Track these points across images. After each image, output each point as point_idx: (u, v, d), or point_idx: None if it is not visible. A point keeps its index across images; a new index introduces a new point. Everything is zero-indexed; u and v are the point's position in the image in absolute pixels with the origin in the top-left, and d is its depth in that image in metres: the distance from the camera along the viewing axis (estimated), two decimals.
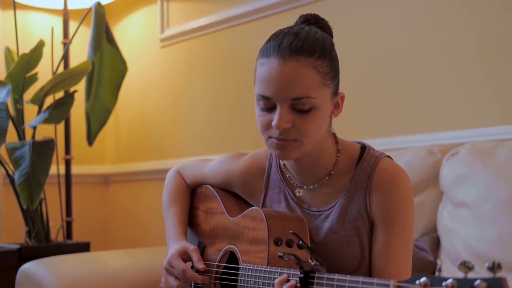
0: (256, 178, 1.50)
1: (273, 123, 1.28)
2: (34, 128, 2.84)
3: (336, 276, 1.13)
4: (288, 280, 1.21)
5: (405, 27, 2.37)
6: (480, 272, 1.77)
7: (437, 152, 2.06)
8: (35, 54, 2.78)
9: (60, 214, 3.07)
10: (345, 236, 1.36)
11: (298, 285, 1.18)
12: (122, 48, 3.22)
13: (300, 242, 1.21)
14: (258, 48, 1.39)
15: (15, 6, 3.00)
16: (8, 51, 2.96)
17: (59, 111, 2.87)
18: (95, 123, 3.02)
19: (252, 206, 1.48)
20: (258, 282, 1.30)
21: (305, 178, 1.40)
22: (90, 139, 3.04)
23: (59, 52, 3.18)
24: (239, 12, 2.95)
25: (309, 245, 1.33)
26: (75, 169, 3.30)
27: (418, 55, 2.33)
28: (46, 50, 2.86)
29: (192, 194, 1.65)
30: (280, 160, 1.46)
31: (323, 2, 2.60)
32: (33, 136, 2.84)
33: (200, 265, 1.43)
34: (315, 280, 1.16)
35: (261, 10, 2.85)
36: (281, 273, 1.25)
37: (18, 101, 2.85)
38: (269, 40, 1.32)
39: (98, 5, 2.93)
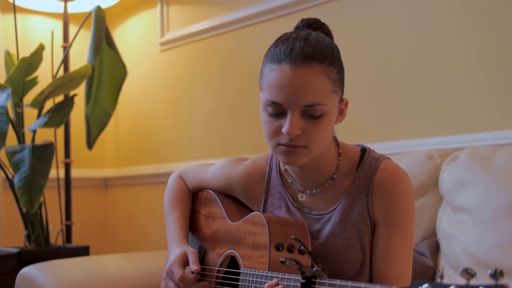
0: (256, 183, 1.50)
1: (284, 129, 1.27)
2: (34, 131, 2.84)
3: (338, 282, 1.13)
4: (278, 284, 1.22)
5: (405, 31, 2.38)
6: (481, 278, 1.77)
7: (437, 156, 2.06)
8: (35, 57, 2.78)
9: (60, 218, 3.07)
10: (346, 239, 1.36)
11: None
12: (122, 52, 3.22)
13: (302, 247, 1.21)
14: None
15: (15, 9, 3.01)
16: (8, 54, 2.96)
17: (59, 115, 2.87)
18: (95, 127, 3.02)
19: (253, 211, 1.48)
20: (259, 287, 1.30)
21: (308, 183, 1.41)
22: (90, 143, 3.04)
23: (59, 55, 3.18)
24: (239, 16, 2.95)
25: (310, 250, 1.34)
26: (74, 173, 3.30)
27: (418, 60, 2.33)
28: (46, 54, 2.87)
29: (193, 198, 1.65)
30: (281, 165, 1.46)
31: (323, 6, 2.60)
32: (33, 140, 2.84)
33: (194, 267, 1.43)
34: (317, 286, 1.16)
35: (261, 14, 2.85)
36: (282, 278, 1.25)
37: (18, 104, 2.85)
38: (276, 45, 1.30)
39: (98, 9, 2.93)
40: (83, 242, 3.32)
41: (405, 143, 2.32)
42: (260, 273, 1.31)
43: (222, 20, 3.03)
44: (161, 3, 3.36)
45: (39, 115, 2.87)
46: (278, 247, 1.32)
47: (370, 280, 1.37)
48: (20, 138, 2.86)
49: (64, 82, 2.82)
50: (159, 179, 3.27)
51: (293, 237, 1.25)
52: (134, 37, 3.54)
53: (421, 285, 0.95)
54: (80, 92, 3.02)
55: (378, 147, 2.20)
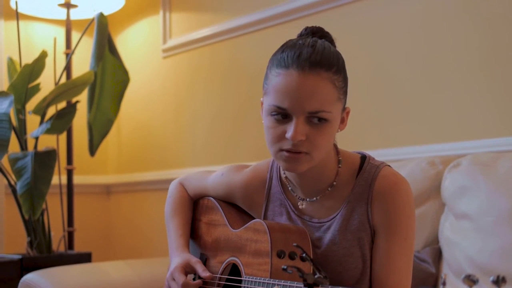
0: (257, 191, 1.50)
1: (288, 135, 1.27)
2: (37, 138, 2.84)
3: None
4: None
5: (405, 38, 2.38)
6: (483, 285, 1.77)
7: (439, 163, 2.06)
8: (38, 64, 2.79)
9: (62, 224, 3.07)
10: (347, 247, 1.36)
11: None
12: (125, 58, 3.23)
13: (304, 254, 1.21)
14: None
15: (18, 16, 3.02)
16: (11, 61, 2.97)
17: (61, 122, 2.88)
18: (97, 134, 3.03)
19: (254, 218, 1.48)
20: None
21: (308, 190, 1.41)
22: (92, 150, 3.04)
23: (61, 62, 3.19)
24: (241, 23, 2.96)
25: (312, 257, 1.34)
26: (77, 179, 3.31)
27: (419, 66, 2.33)
28: (48, 61, 2.87)
29: (194, 206, 1.65)
30: (282, 173, 1.46)
31: (325, 13, 2.61)
32: (35, 147, 2.84)
33: (206, 274, 1.43)
34: None
35: (263, 21, 2.86)
36: (284, 286, 1.25)
37: (20, 111, 2.86)
38: (283, 51, 1.31)
39: (101, 15, 2.94)
40: (85, 248, 3.32)
41: (407, 150, 2.32)
42: (262, 281, 1.31)
43: (224, 27, 3.04)
44: (164, 10, 3.36)
45: (41, 122, 2.88)
46: (280, 255, 1.32)
47: (371, 287, 1.37)
48: (23, 145, 2.86)
49: (66, 89, 2.82)
50: (161, 186, 3.28)
51: (294, 244, 1.25)
52: (136, 44, 3.55)
53: None
54: (82, 98, 3.03)
55: (379, 154, 2.21)
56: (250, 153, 2.91)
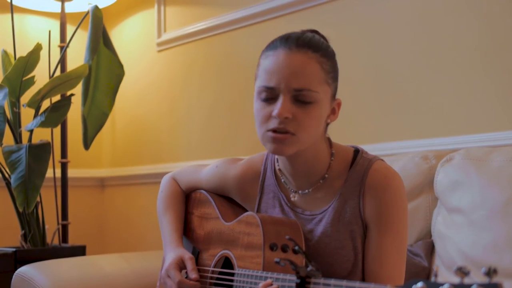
0: (251, 183, 1.50)
1: (274, 112, 1.29)
2: (31, 131, 2.84)
3: (332, 281, 1.13)
4: (272, 284, 1.22)
5: (400, 34, 2.38)
6: (474, 278, 1.78)
7: (432, 158, 2.06)
8: (32, 57, 2.78)
9: (56, 217, 3.07)
10: (339, 240, 1.36)
11: None
12: (119, 52, 3.22)
13: (296, 247, 1.22)
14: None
15: (12, 9, 3.00)
16: (5, 54, 2.96)
17: (56, 115, 2.87)
18: (92, 127, 3.02)
19: (247, 211, 1.49)
20: (253, 287, 1.30)
21: (300, 182, 1.41)
22: (87, 143, 3.04)
23: (56, 55, 3.18)
24: (236, 17, 2.95)
25: (304, 250, 1.34)
26: (71, 173, 3.30)
27: (413, 61, 2.34)
28: (43, 54, 2.86)
29: (186, 199, 1.65)
30: (276, 165, 1.47)
31: (321, 7, 2.60)
32: (30, 140, 2.84)
33: (193, 275, 1.44)
34: (311, 286, 1.16)
35: (258, 15, 2.86)
36: (276, 279, 1.25)
37: (14, 104, 2.85)
38: (274, 40, 1.36)
39: (96, 9, 2.93)
40: (79, 241, 3.32)
41: (400, 144, 2.32)
42: (254, 274, 1.31)
43: (219, 20, 3.04)
44: (158, 4, 3.36)
45: (36, 115, 2.87)
46: (272, 247, 1.32)
47: (363, 279, 1.37)
48: (17, 138, 2.86)
49: (61, 82, 2.82)
50: (155, 180, 3.27)
51: (287, 237, 1.25)
52: (131, 38, 3.54)
53: (416, 283, 0.95)
54: (77, 92, 3.02)
55: (373, 148, 2.21)
56: (245, 147, 2.91)
